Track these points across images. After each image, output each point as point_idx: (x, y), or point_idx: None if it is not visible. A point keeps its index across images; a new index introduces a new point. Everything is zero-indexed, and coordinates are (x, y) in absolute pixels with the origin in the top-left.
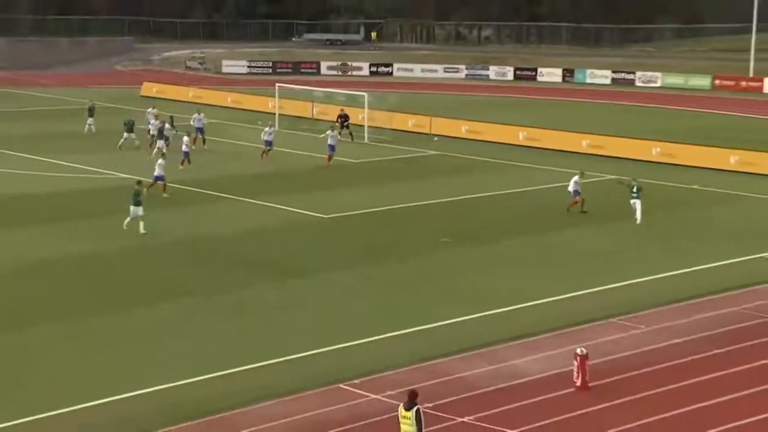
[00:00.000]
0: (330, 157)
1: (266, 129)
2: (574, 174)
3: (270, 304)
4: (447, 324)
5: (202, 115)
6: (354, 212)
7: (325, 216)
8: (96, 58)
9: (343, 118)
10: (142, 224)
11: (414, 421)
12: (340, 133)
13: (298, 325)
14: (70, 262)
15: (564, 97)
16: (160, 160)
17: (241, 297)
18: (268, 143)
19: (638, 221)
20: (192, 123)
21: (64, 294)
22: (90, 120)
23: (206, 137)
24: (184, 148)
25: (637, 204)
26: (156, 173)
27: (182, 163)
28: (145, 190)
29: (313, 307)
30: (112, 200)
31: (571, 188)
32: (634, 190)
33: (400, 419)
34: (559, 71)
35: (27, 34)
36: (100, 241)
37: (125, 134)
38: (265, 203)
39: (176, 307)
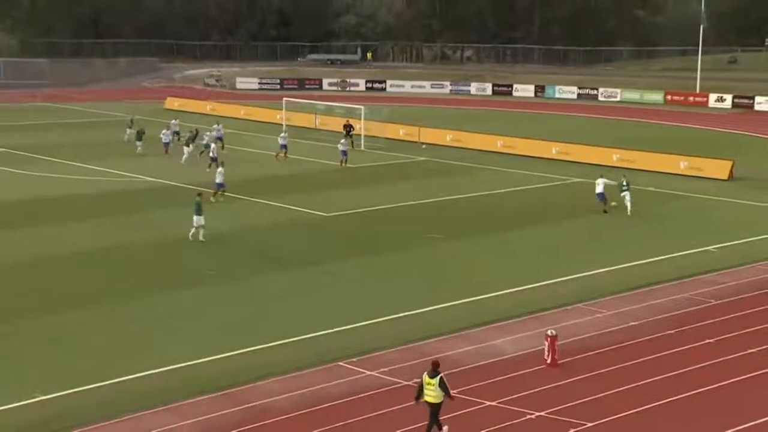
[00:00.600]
0: (343, 161)
1: (282, 134)
2: (597, 178)
3: (276, 292)
4: (433, 309)
5: (220, 125)
6: (353, 211)
7: (327, 214)
8: (126, 76)
9: (348, 127)
10: (202, 232)
11: (437, 387)
12: (344, 142)
13: (301, 311)
14: (115, 252)
15: (536, 110)
16: (220, 169)
17: (251, 285)
18: (283, 147)
19: (629, 212)
20: (212, 133)
21: (112, 278)
22: (128, 131)
23: (224, 144)
24: (211, 154)
25: (627, 196)
26: (217, 181)
27: (209, 167)
28: (211, 198)
29: (315, 295)
30: (145, 199)
31: (599, 190)
32: (624, 184)
33: (424, 386)
34: (531, 87)
35: (68, 56)
36: (135, 233)
37: (136, 142)
38: (273, 203)
39: (196, 293)
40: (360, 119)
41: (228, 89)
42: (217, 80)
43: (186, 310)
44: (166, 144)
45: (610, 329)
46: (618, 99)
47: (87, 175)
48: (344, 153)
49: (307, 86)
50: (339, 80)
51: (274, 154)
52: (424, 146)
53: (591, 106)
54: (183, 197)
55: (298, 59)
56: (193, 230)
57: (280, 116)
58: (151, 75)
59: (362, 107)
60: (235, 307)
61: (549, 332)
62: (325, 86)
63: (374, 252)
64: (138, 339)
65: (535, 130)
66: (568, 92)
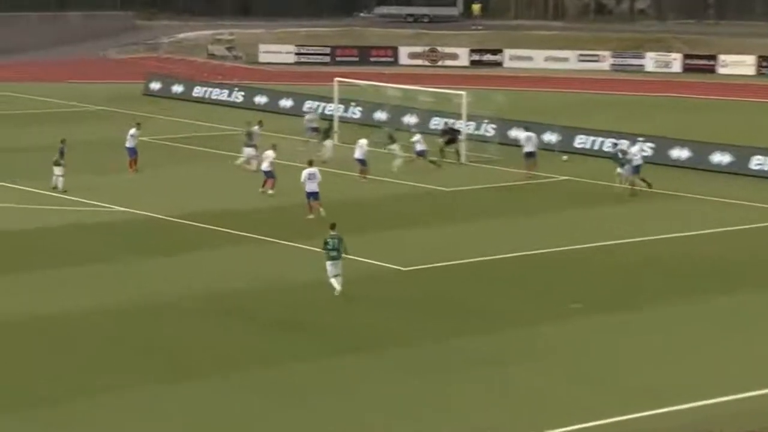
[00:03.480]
0: (363, 171)
1: (361, 144)
2: None
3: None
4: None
5: (257, 127)
6: (443, 263)
7: (403, 268)
8: (79, 40)
9: (450, 133)
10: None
11: None
12: (441, 150)
13: None
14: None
15: (761, 97)
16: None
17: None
18: (361, 161)
19: None
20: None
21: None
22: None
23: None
24: (265, 166)
25: None
26: (310, 189)
27: (264, 185)
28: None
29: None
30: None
31: None
32: None
33: None
34: (751, 59)
35: None
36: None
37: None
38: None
39: None
40: (460, 113)
41: (246, 63)
42: (228, 48)
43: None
44: (131, 151)
45: None
46: None
47: (29, 201)
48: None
49: (373, 59)
50: (426, 49)
51: (360, 175)
52: (565, 158)
53: None
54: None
55: (359, 14)
56: (334, 286)
57: (327, 108)
58: (121, 39)
59: (463, 94)
60: None
61: None
62: (404, 59)
63: (489, 327)
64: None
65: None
66: None
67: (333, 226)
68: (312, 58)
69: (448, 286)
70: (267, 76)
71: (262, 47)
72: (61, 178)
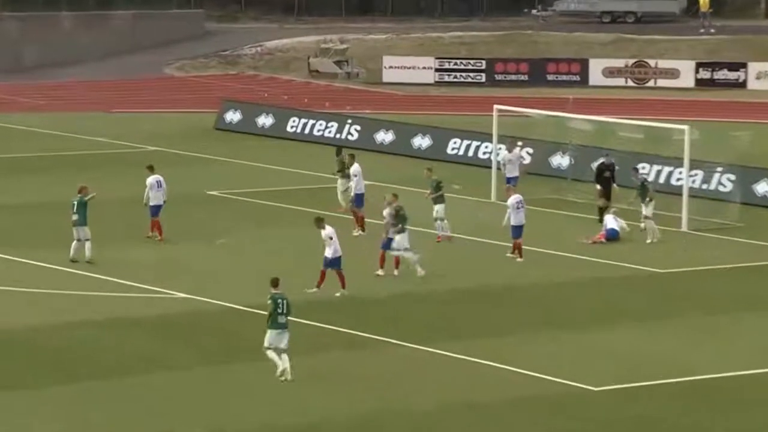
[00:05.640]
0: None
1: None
2: None
3: None
4: None
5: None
6: (652, 381)
7: (594, 388)
8: (127, 51)
9: (607, 168)
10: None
11: None
12: (630, 203)
13: None
14: None
15: None
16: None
17: None
18: (516, 229)
19: None
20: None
21: None
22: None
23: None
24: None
25: None
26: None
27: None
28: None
29: None
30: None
31: None
32: None
33: None
34: None
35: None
36: None
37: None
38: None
39: None
40: (681, 155)
41: (364, 82)
42: (339, 63)
43: None
44: (154, 205)
45: None
46: None
47: (41, 281)
48: (612, 232)
49: (551, 77)
50: (630, 62)
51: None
52: None
53: None
54: None
55: (531, 11)
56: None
57: (485, 148)
58: (188, 49)
59: (685, 129)
60: None
61: None
62: (597, 76)
63: None
64: None
65: None
66: None
67: (276, 282)
68: (460, 76)
69: (658, 413)
70: (394, 102)
71: (388, 60)
72: (87, 243)
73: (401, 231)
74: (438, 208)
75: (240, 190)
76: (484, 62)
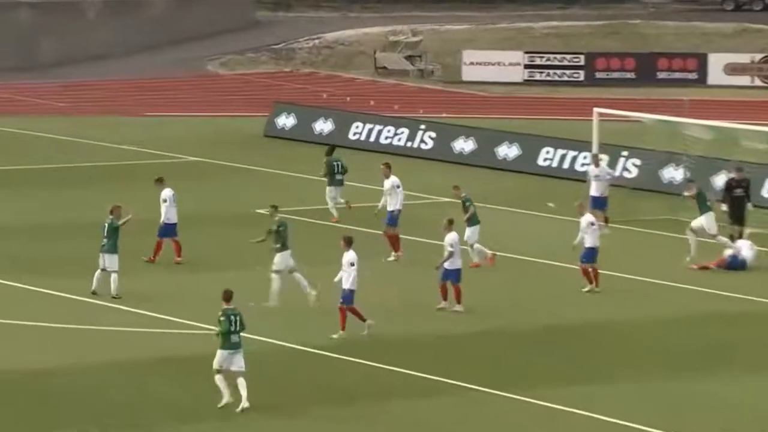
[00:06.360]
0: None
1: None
2: None
3: None
4: None
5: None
6: None
7: None
8: (165, 43)
9: (739, 183)
10: None
11: None
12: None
13: None
14: None
15: None
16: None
17: None
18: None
19: None
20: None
21: None
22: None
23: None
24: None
25: None
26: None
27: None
28: None
29: None
30: None
31: None
32: None
33: None
34: None
35: None
36: None
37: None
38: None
39: None
40: None
41: (441, 81)
42: (410, 58)
43: None
44: (172, 224)
45: None
46: None
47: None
48: (737, 262)
49: (662, 74)
50: (759, 57)
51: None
52: None
53: None
54: None
55: None
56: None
57: (582, 158)
58: (234, 42)
59: None
60: None
61: None
62: (717, 74)
63: None
64: None
65: None
66: None
67: (229, 296)
68: (553, 74)
69: None
70: (475, 105)
71: (468, 55)
72: (113, 275)
73: (281, 250)
74: (470, 232)
75: (294, 207)
76: (582, 57)
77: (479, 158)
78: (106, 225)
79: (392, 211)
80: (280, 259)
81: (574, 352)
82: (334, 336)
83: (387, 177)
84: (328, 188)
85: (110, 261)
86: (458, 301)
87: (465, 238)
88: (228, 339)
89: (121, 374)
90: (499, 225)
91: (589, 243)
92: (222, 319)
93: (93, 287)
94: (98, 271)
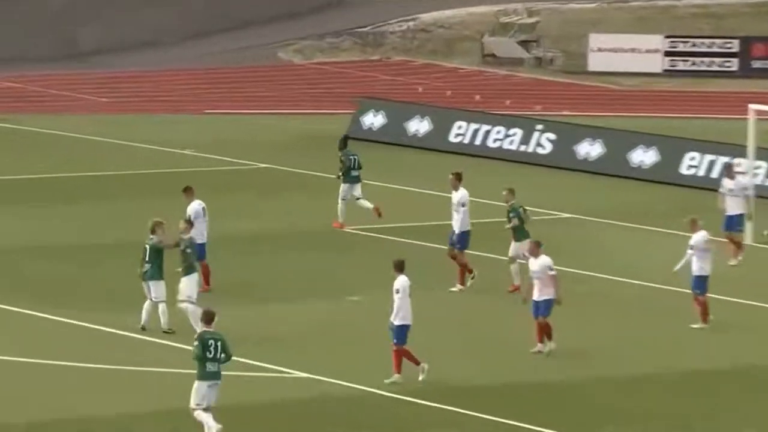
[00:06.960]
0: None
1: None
2: None
3: None
4: None
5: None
6: None
7: None
8: (227, 27)
9: None
10: None
11: None
12: None
13: None
14: None
15: None
16: None
17: None
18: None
19: None
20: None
21: None
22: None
23: None
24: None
25: None
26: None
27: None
28: None
29: None
30: None
31: None
32: None
33: None
34: None
35: None
36: None
37: None
38: None
39: None
40: None
41: (561, 72)
42: (524, 43)
43: None
44: (200, 244)
45: None
46: None
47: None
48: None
49: None
50: None
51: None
52: None
53: None
54: None
55: None
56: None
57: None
58: (310, 26)
59: None
60: None
61: None
62: None
63: None
64: None
65: None
66: None
67: (211, 318)
68: (700, 63)
69: None
70: (604, 100)
71: (595, 40)
72: (161, 306)
73: (187, 273)
74: (514, 247)
75: (382, 225)
76: (736, 43)
77: (608, 165)
78: (148, 247)
79: (462, 232)
80: (184, 286)
81: (684, 400)
82: (387, 381)
83: (456, 189)
84: (342, 186)
85: (156, 289)
86: (549, 338)
87: (509, 253)
88: (204, 369)
89: (180, 422)
90: (630, 246)
91: (696, 269)
92: (196, 344)
93: (142, 322)
94: (147, 302)
